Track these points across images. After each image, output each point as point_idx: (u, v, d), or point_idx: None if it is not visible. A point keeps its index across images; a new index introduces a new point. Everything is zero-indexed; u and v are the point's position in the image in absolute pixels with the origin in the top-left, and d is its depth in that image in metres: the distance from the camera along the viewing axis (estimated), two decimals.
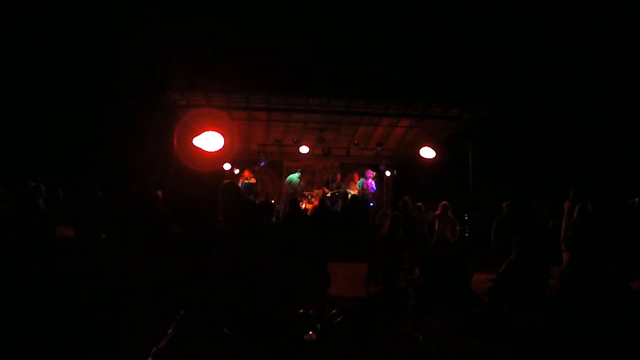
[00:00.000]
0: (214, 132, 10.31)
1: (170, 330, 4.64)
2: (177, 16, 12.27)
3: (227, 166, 14.68)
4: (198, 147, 10.52)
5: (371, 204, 13.18)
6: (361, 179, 13.77)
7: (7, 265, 6.44)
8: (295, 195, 12.78)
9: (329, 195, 13.47)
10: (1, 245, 6.59)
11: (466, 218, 11.72)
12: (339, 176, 15.34)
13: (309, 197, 15.40)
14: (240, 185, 13.09)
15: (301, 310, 5.07)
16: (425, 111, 12.08)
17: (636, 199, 7.23)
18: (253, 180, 13.37)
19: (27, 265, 6.74)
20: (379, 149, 14.57)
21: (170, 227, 9.03)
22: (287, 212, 8.45)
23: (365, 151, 15.15)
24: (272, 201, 13.63)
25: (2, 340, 4.35)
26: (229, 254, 4.88)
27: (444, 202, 8.65)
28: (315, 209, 9.05)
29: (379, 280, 6.59)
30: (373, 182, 13.57)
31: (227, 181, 5.17)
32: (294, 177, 13.62)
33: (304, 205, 14.64)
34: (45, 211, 7.07)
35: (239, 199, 5.02)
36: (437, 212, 8.63)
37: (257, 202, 13.01)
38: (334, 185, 14.00)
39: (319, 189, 16.55)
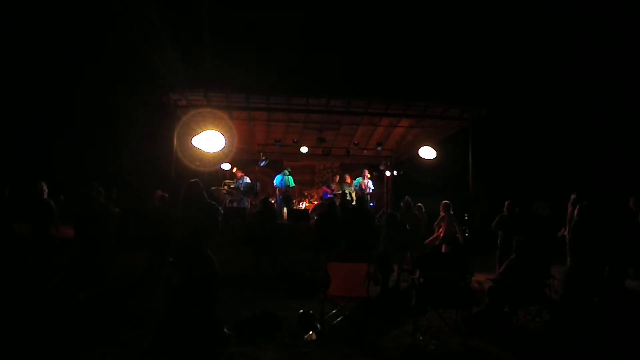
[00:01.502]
0: (213, 131, 10.33)
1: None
2: (178, 16, 12.28)
3: (226, 166, 14.67)
4: (198, 147, 10.54)
5: (371, 204, 13.16)
6: (358, 178, 13.74)
7: (7, 264, 6.45)
8: (272, 195, 12.61)
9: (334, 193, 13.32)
10: (1, 245, 6.59)
11: (466, 218, 11.72)
12: (337, 177, 15.08)
13: (309, 196, 15.39)
14: (236, 184, 13.09)
15: (301, 310, 5.08)
16: (425, 111, 12.09)
17: (632, 199, 7.24)
18: (240, 175, 13.24)
19: (27, 264, 6.75)
20: (379, 149, 14.57)
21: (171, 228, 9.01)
22: (258, 211, 8.34)
23: (365, 151, 15.15)
24: (272, 201, 13.62)
25: (1, 340, 4.35)
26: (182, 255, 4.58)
27: (445, 202, 8.64)
28: (322, 212, 8.91)
29: (379, 280, 6.60)
30: (370, 182, 13.53)
31: (193, 180, 4.89)
32: (278, 178, 13.54)
33: (303, 205, 14.65)
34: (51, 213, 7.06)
35: (203, 200, 4.71)
36: (442, 215, 8.59)
37: (257, 202, 13.00)
38: (334, 186, 13.94)
39: (318, 188, 16.53)
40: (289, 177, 13.48)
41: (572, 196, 7.92)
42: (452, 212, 8.59)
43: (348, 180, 13.50)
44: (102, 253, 7.09)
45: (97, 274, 6.76)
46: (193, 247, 4.44)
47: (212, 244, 4.65)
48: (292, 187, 13.73)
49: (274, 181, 13.73)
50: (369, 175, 13.66)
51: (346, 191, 12.81)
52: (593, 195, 7.25)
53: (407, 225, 7.41)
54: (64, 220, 7.29)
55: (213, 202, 4.87)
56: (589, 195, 7.15)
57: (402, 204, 8.19)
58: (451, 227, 8.47)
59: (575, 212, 6.89)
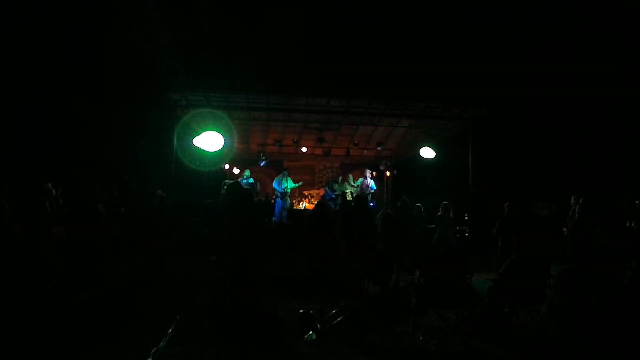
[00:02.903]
0: (214, 132, 10.35)
1: (170, 330, 4.66)
2: (178, 16, 12.27)
3: (226, 166, 14.69)
4: (198, 147, 10.55)
5: (371, 204, 13.16)
6: (360, 178, 13.76)
7: (8, 265, 6.44)
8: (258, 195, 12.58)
9: (336, 193, 13.33)
10: (2, 245, 6.58)
11: (466, 218, 11.72)
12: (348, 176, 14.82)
13: (309, 196, 15.40)
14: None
15: (301, 310, 5.08)
16: (425, 111, 12.09)
17: (637, 202, 7.25)
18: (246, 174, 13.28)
19: (28, 264, 6.74)
20: (379, 149, 14.57)
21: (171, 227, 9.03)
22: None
23: (365, 151, 15.16)
24: (273, 201, 13.64)
25: (2, 339, 4.35)
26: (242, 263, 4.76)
27: (445, 202, 8.66)
28: (313, 211, 8.96)
29: (379, 280, 6.60)
30: (372, 182, 13.54)
31: (233, 182, 5.08)
32: (276, 180, 13.51)
33: (304, 205, 14.66)
34: (49, 212, 7.07)
35: (253, 203, 4.94)
36: (438, 214, 8.64)
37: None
38: (336, 186, 13.95)
39: (319, 189, 16.55)
40: (288, 178, 13.49)
41: (572, 198, 7.94)
42: (449, 215, 8.56)
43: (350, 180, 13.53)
44: (99, 253, 7.09)
45: (94, 274, 6.75)
46: (240, 248, 4.61)
47: (261, 241, 4.82)
48: (293, 187, 13.73)
49: (273, 183, 13.76)
50: (369, 175, 13.67)
51: (347, 191, 12.80)
52: (591, 196, 7.25)
53: (403, 225, 7.41)
54: (61, 219, 7.29)
55: (257, 201, 5.10)
56: (587, 196, 7.16)
57: (398, 203, 8.20)
58: (443, 230, 8.45)
59: (576, 212, 6.90)
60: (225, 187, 12.10)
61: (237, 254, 4.65)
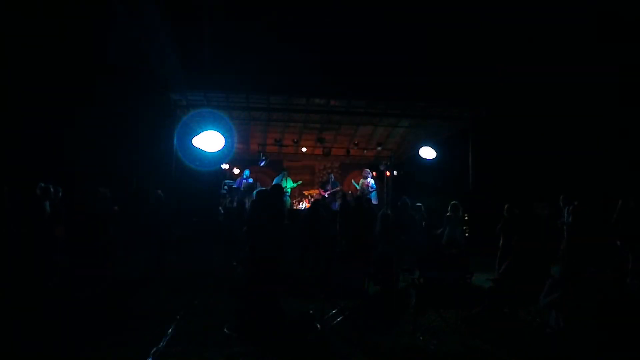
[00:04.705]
0: (214, 132, 10.36)
1: (170, 330, 4.66)
2: (178, 16, 12.26)
3: (226, 166, 14.70)
4: (198, 147, 10.56)
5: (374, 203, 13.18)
6: (361, 179, 13.78)
7: (9, 265, 6.44)
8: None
9: (327, 195, 13.46)
10: (3, 245, 6.58)
11: (466, 218, 11.72)
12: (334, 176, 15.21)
13: (309, 196, 15.40)
14: (236, 184, 13.11)
15: (301, 310, 5.08)
16: (425, 111, 12.10)
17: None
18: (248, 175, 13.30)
19: (28, 264, 6.74)
20: (379, 149, 14.58)
21: (171, 227, 9.03)
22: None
23: (365, 151, 15.16)
24: None
25: (2, 339, 4.35)
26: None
27: (454, 202, 8.55)
28: (307, 213, 8.94)
29: (379, 280, 6.60)
30: (372, 181, 13.56)
31: (261, 190, 5.35)
32: (276, 180, 13.47)
33: (303, 205, 14.67)
34: (50, 213, 7.06)
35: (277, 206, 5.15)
36: (447, 214, 8.55)
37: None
38: (329, 187, 14.03)
39: (319, 189, 16.56)
40: (288, 178, 13.51)
41: (561, 198, 7.94)
42: (457, 214, 8.51)
43: (356, 180, 13.64)
44: (98, 252, 7.08)
45: (94, 274, 6.75)
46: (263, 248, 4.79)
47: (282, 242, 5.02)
48: (293, 187, 13.76)
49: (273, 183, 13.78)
50: (369, 175, 13.69)
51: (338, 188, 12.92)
52: (587, 197, 7.26)
53: (402, 225, 7.41)
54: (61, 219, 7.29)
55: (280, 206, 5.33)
56: (583, 197, 7.16)
57: (399, 203, 8.20)
58: (452, 230, 8.41)
59: (570, 213, 6.90)
60: (242, 189, 12.22)
61: (260, 255, 4.82)
